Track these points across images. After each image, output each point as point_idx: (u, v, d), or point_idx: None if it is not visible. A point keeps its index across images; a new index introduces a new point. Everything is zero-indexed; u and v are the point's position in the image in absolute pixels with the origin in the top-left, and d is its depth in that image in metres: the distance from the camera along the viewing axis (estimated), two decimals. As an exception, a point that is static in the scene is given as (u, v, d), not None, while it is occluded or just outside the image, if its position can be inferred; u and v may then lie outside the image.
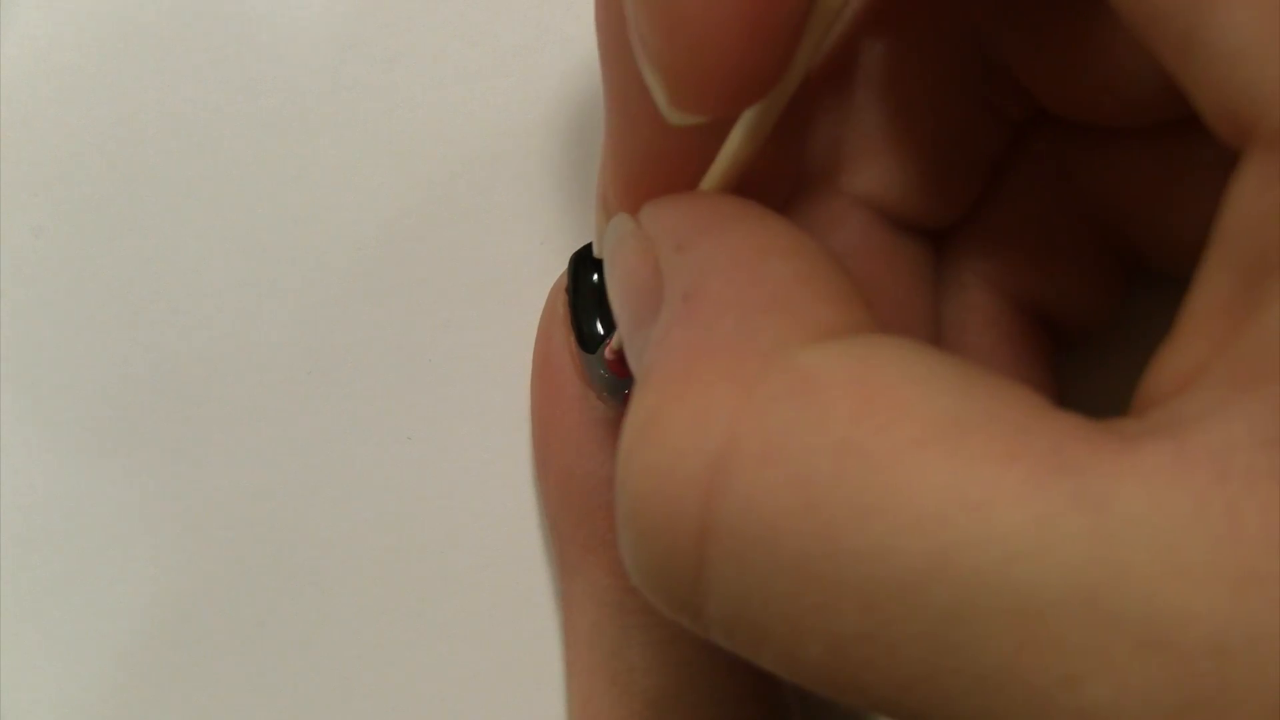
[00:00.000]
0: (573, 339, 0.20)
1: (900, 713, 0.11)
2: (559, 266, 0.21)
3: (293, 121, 0.23)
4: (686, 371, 0.13)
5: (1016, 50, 0.17)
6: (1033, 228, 0.19)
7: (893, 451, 0.11)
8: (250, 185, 0.23)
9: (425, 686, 0.22)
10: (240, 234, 0.23)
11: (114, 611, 0.22)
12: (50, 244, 0.23)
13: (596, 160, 0.23)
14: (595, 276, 0.20)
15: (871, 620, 0.11)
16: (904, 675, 0.11)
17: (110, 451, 0.22)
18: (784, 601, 0.11)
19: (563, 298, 0.21)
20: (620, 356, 0.19)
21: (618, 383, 0.19)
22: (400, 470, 0.22)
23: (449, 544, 0.22)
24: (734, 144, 0.15)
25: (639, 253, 0.15)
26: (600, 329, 0.20)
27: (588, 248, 0.20)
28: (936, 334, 0.19)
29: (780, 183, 0.18)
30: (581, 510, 0.20)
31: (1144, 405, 0.12)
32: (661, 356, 0.13)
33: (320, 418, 0.22)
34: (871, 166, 0.18)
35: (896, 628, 0.11)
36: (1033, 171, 0.19)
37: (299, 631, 0.22)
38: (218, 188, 0.23)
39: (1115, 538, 0.10)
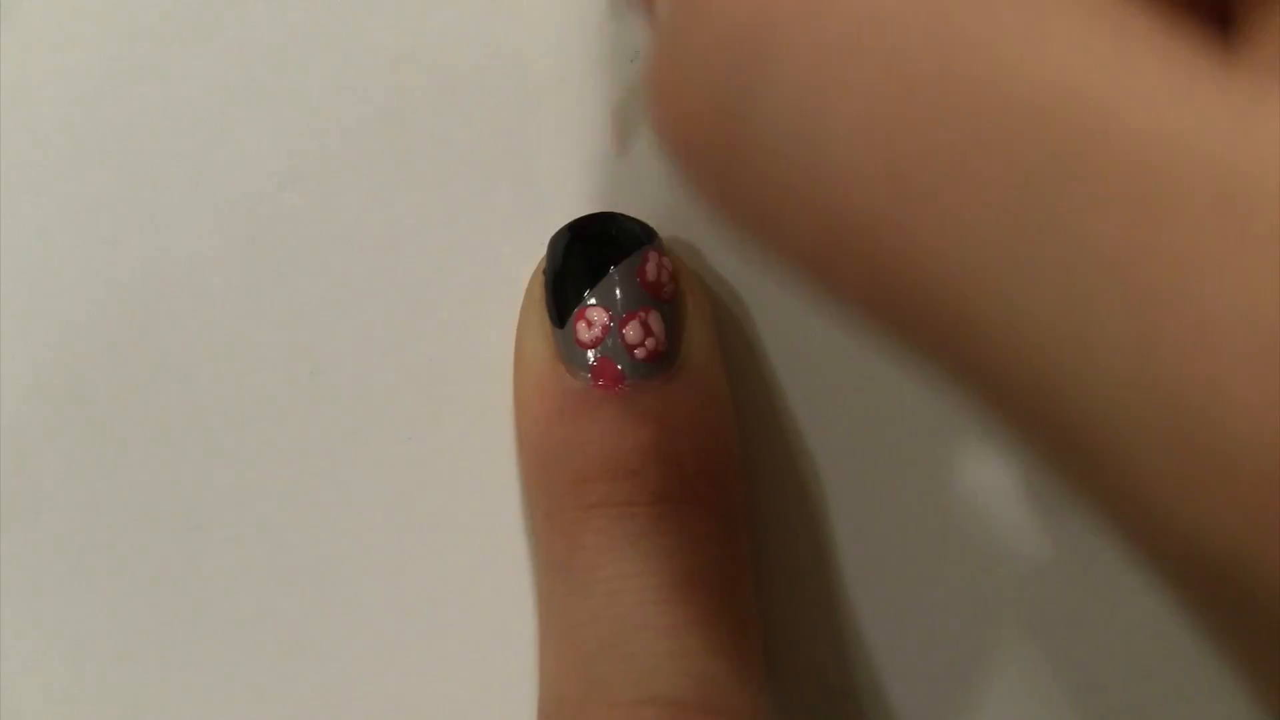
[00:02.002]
0: (546, 317, 0.21)
1: (944, 317, 0.10)
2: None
3: (293, 122, 0.23)
4: None
5: None
6: None
7: None
8: (250, 185, 0.23)
9: (423, 683, 0.22)
10: (241, 235, 0.23)
11: (114, 610, 0.22)
12: (52, 245, 0.23)
13: (596, 160, 0.23)
14: (568, 256, 0.21)
15: (961, 143, 0.09)
16: (977, 242, 0.09)
17: (110, 451, 0.22)
18: (861, 97, 0.10)
19: (539, 279, 0.21)
20: (588, 325, 0.20)
21: (584, 355, 0.20)
22: (400, 470, 0.22)
23: (448, 544, 0.22)
24: None
25: None
26: (572, 306, 0.20)
27: (563, 229, 0.21)
28: None
29: None
30: (546, 478, 0.20)
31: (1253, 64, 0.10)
32: None
33: (320, 418, 0.22)
34: None
35: (990, 164, 0.09)
36: None
37: (299, 631, 0.22)
38: (219, 188, 0.23)
39: (1260, 136, 0.09)
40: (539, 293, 0.21)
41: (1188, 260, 0.09)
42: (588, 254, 0.21)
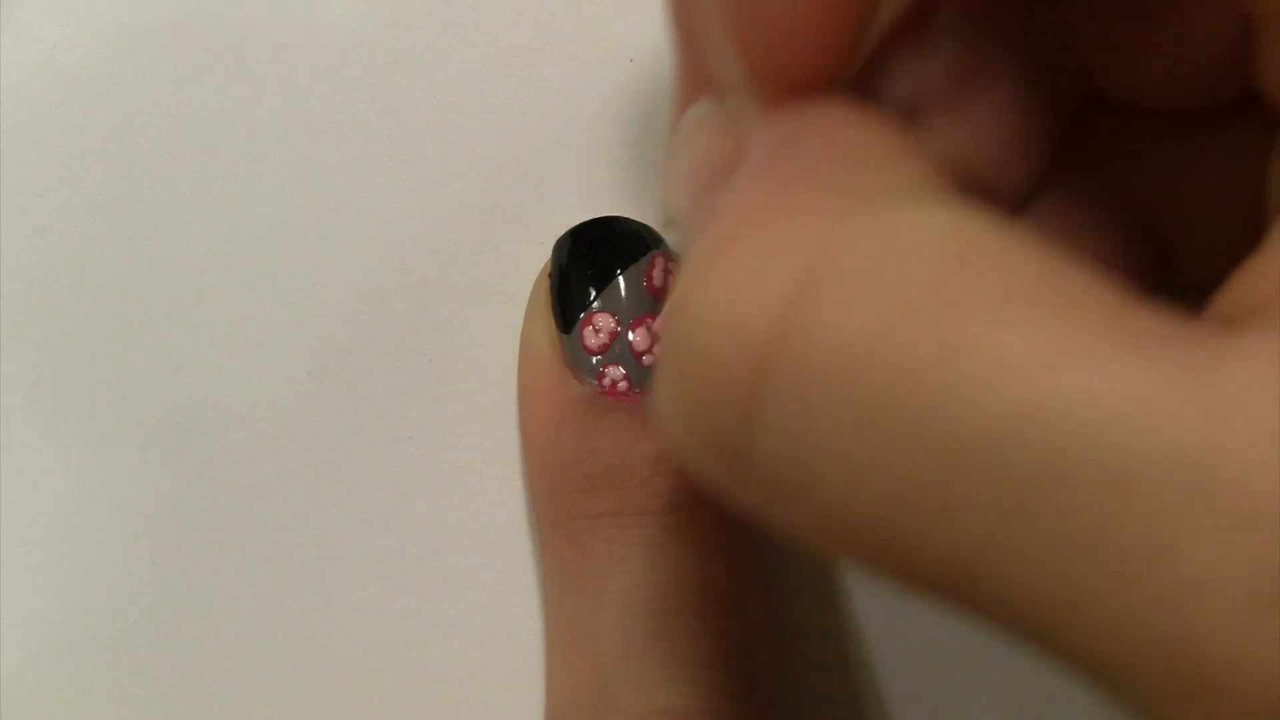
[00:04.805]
0: (552, 321, 0.20)
1: (945, 585, 0.11)
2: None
3: (293, 122, 0.23)
4: (771, 201, 0.12)
5: (1087, 32, 0.17)
6: (1074, 219, 0.19)
7: (992, 299, 0.10)
8: (251, 186, 0.23)
9: (424, 685, 0.22)
10: (241, 235, 0.23)
11: (115, 610, 0.22)
12: (53, 245, 0.23)
13: (597, 161, 0.23)
14: (574, 260, 0.21)
15: (943, 470, 0.10)
16: (966, 537, 0.10)
17: (110, 451, 0.22)
18: (847, 443, 0.11)
19: (545, 283, 0.21)
20: (595, 330, 0.20)
21: (590, 361, 0.20)
22: (400, 470, 0.22)
23: (448, 543, 0.22)
24: None
25: (724, 128, 0.14)
26: (578, 311, 0.20)
27: (568, 234, 0.21)
28: None
29: None
30: (553, 486, 0.20)
31: (1222, 313, 0.11)
32: (743, 189, 0.12)
33: (320, 419, 0.22)
34: (944, 125, 0.18)
35: (970, 480, 0.10)
36: (1079, 159, 0.19)
37: (299, 631, 0.22)
38: (219, 188, 0.23)
39: (1219, 414, 0.10)
40: (545, 296, 0.21)
41: (1157, 534, 0.10)
42: (594, 258, 0.20)
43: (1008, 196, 0.19)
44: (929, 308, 0.11)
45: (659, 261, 0.20)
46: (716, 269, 0.12)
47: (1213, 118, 0.16)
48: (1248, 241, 0.12)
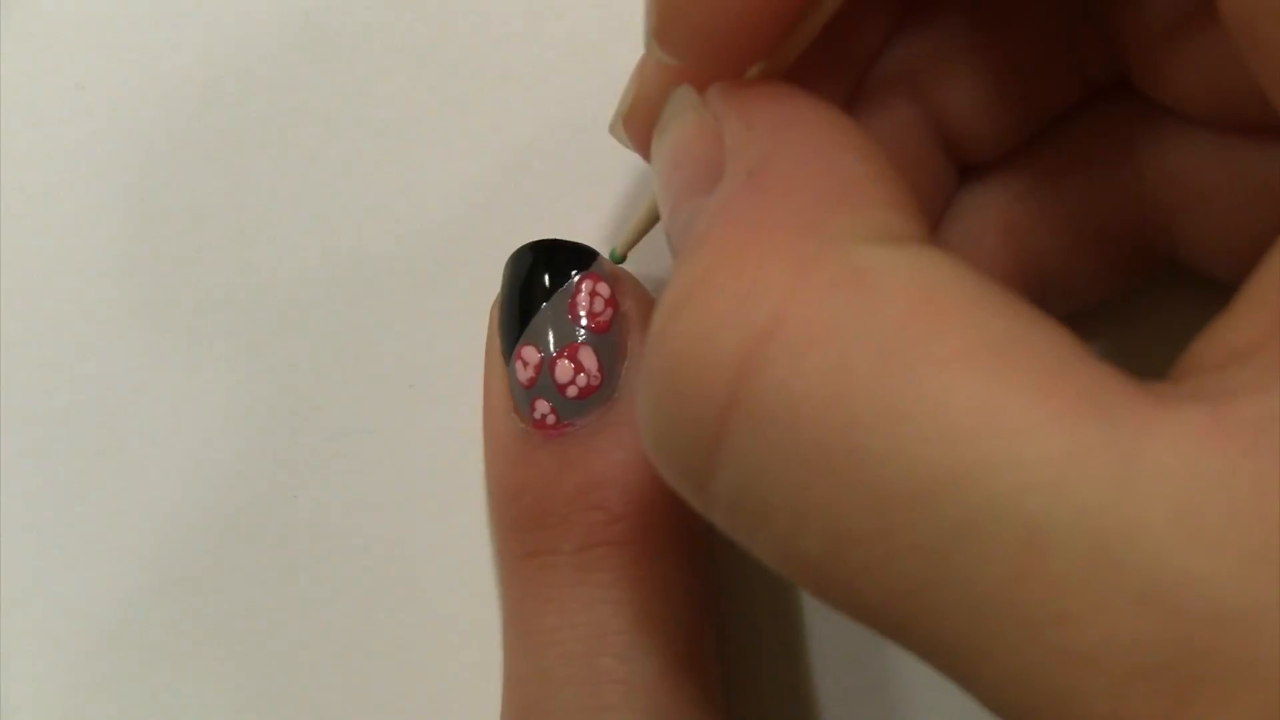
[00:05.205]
0: (499, 349, 0.20)
1: (882, 623, 0.11)
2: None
3: (293, 120, 0.23)
4: (744, 242, 0.13)
5: (1129, 25, 0.17)
6: (1075, 188, 0.19)
7: (934, 363, 0.11)
8: (251, 187, 0.23)
9: (424, 685, 0.22)
10: (241, 236, 0.23)
11: (114, 609, 0.22)
12: (52, 245, 0.23)
13: (599, 168, 0.22)
14: (507, 289, 0.20)
15: (877, 522, 0.11)
16: (897, 584, 0.11)
17: (111, 452, 0.23)
18: (794, 488, 0.11)
19: (497, 308, 0.21)
20: (524, 364, 0.20)
21: (524, 393, 0.20)
22: (400, 471, 0.23)
23: (447, 545, 0.22)
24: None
25: (701, 124, 0.15)
26: (511, 344, 0.20)
27: (509, 260, 0.21)
28: None
29: (840, 77, 0.18)
30: (496, 522, 0.20)
31: (1186, 373, 0.12)
32: (719, 223, 0.13)
33: (319, 419, 0.23)
34: (939, 76, 0.18)
35: (901, 535, 0.11)
36: (1098, 133, 0.19)
37: (297, 632, 0.22)
38: (221, 189, 0.23)
39: (1136, 489, 0.10)
40: (493, 322, 0.21)
41: (1061, 598, 0.10)
42: (526, 286, 0.20)
43: (987, 151, 0.19)
44: (877, 368, 0.11)
45: (585, 285, 0.20)
46: (691, 309, 0.12)
47: (1257, 135, 0.17)
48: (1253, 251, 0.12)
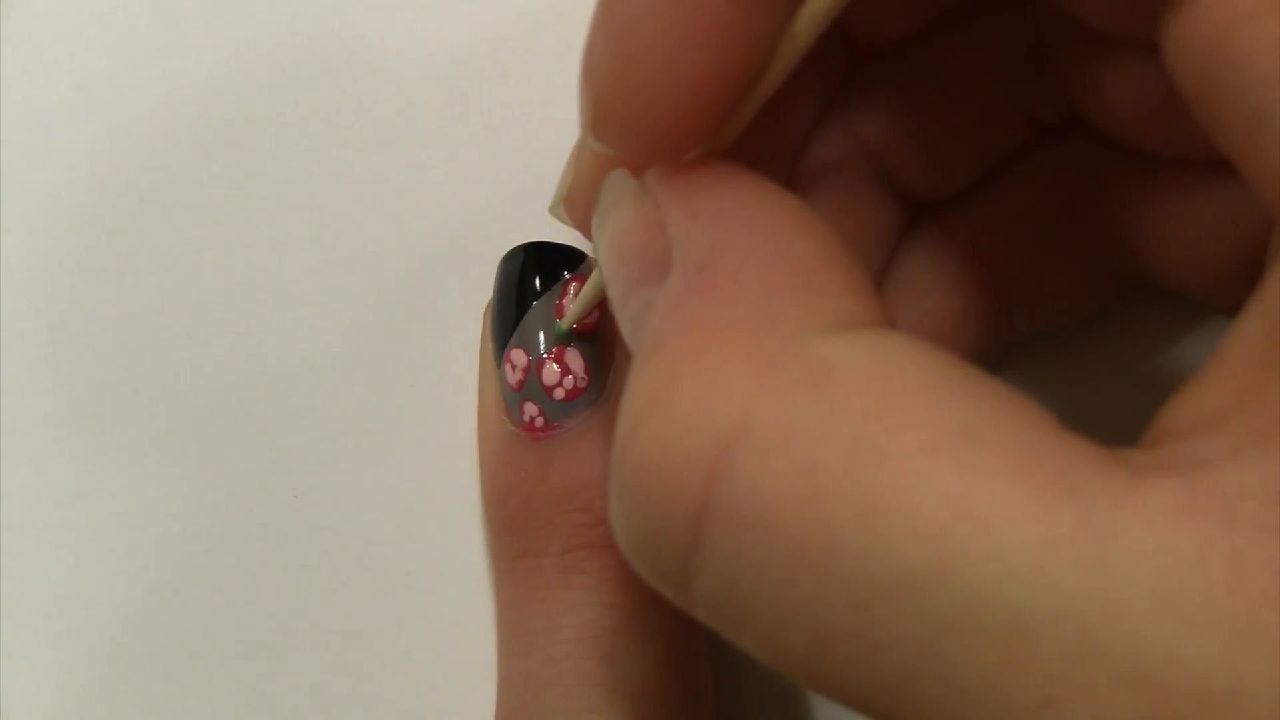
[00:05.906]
0: (491, 352, 0.20)
1: (874, 712, 0.11)
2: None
3: (293, 120, 0.23)
4: (701, 344, 0.12)
5: (1071, 68, 0.17)
6: (1040, 216, 0.19)
7: (903, 455, 0.11)
8: (251, 187, 0.23)
9: (424, 685, 0.22)
10: (240, 236, 0.23)
11: (112, 609, 0.22)
12: (54, 245, 0.23)
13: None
14: (498, 292, 0.20)
15: (859, 619, 0.11)
16: (884, 677, 0.11)
17: (109, 451, 0.23)
18: (774, 588, 0.11)
19: (488, 313, 0.21)
20: (512, 367, 0.19)
21: (513, 396, 0.20)
22: (400, 471, 0.23)
23: (447, 545, 0.22)
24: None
25: (642, 213, 0.15)
26: (501, 347, 0.20)
27: (499, 264, 0.21)
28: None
29: (782, 148, 0.18)
30: (488, 524, 0.20)
31: (1159, 439, 0.12)
32: (674, 326, 0.13)
33: (319, 419, 0.23)
34: (883, 133, 0.18)
35: (884, 629, 0.11)
36: (1060, 163, 0.19)
37: (296, 630, 0.22)
38: (221, 188, 0.23)
39: (1114, 571, 0.10)
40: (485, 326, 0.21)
41: (1046, 685, 0.10)
42: (516, 289, 0.20)
43: (931, 191, 0.19)
44: (847, 464, 0.11)
45: (572, 287, 0.20)
46: (656, 416, 0.12)
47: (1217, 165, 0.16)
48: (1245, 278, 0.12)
